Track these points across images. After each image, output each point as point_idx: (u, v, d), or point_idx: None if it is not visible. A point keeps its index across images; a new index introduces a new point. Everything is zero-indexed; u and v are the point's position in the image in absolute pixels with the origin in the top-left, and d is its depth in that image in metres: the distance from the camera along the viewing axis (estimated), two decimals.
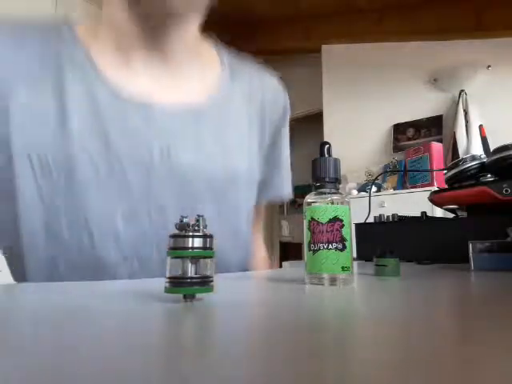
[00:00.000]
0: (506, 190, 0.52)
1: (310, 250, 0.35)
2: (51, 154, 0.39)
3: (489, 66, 2.64)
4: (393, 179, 2.70)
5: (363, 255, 0.72)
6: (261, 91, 0.54)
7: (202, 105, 0.46)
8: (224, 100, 0.48)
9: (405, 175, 2.65)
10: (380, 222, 0.74)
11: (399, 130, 2.95)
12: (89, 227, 0.40)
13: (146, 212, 0.43)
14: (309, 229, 0.35)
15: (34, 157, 0.38)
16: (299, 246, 4.15)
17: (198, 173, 0.44)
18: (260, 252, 0.64)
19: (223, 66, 0.52)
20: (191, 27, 0.45)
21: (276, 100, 0.57)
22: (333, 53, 3.31)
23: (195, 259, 0.25)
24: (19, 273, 0.43)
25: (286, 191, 0.62)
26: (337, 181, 0.37)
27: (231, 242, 0.49)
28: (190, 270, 0.24)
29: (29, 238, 0.41)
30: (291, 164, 0.66)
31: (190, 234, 0.25)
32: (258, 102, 0.53)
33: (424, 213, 0.71)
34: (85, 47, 0.42)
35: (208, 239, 0.25)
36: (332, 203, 0.35)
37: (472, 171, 0.63)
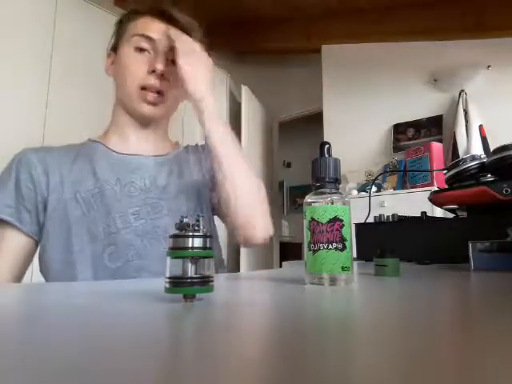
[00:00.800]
0: (506, 190, 0.52)
1: (310, 249, 0.35)
2: (90, 192, 0.68)
3: (489, 66, 2.64)
4: (393, 179, 2.70)
5: (363, 255, 0.72)
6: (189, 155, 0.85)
7: (166, 156, 0.79)
8: (175, 156, 0.81)
9: (405, 175, 2.64)
10: (380, 222, 0.74)
11: (399, 130, 2.95)
12: (114, 222, 0.66)
13: (146, 212, 0.69)
14: (309, 229, 0.35)
15: (79, 196, 0.68)
16: (299, 245, 4.15)
17: (168, 191, 0.74)
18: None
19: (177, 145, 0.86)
20: (162, 121, 0.79)
21: (196, 155, 0.85)
22: (333, 53, 3.31)
23: (195, 259, 0.25)
24: (71, 275, 0.63)
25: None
26: (337, 181, 0.37)
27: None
28: (190, 270, 0.24)
29: (79, 244, 0.64)
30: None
31: (190, 234, 0.25)
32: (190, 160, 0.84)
33: (424, 213, 0.71)
34: (101, 143, 0.76)
35: (208, 239, 0.25)
36: (332, 203, 0.35)
37: (472, 171, 0.63)
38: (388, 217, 0.74)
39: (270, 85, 3.95)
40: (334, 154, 0.37)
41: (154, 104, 0.72)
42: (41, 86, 2.13)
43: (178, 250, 0.25)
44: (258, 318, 0.21)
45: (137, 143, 0.76)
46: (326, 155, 0.38)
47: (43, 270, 0.67)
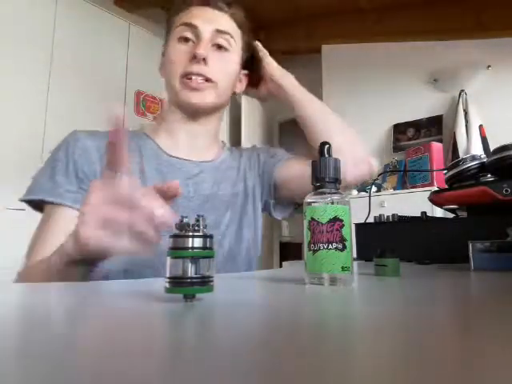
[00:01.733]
0: (506, 190, 0.52)
1: (310, 249, 0.35)
2: None
3: (489, 66, 2.64)
4: (393, 179, 2.70)
5: (363, 255, 0.72)
6: (253, 155, 0.85)
7: (213, 162, 0.77)
8: (222, 162, 0.79)
9: (405, 175, 2.64)
10: (380, 222, 0.74)
11: (399, 130, 2.95)
12: None
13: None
14: (309, 229, 0.35)
15: None
16: (299, 245, 4.14)
17: (211, 201, 0.73)
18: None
19: (224, 147, 0.84)
20: (211, 118, 0.75)
21: (262, 154, 0.85)
22: (333, 53, 3.31)
23: (195, 259, 0.25)
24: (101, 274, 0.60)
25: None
26: (337, 181, 0.37)
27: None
28: (190, 270, 0.24)
29: None
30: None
31: (190, 234, 0.25)
32: (252, 161, 0.84)
33: (424, 213, 0.71)
34: (151, 139, 0.74)
35: (208, 239, 0.25)
36: (332, 203, 0.35)
37: (472, 171, 0.63)
38: (388, 217, 0.74)
39: None
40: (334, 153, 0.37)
41: (199, 90, 0.68)
42: (41, 85, 2.13)
43: (178, 250, 0.25)
44: (258, 317, 0.21)
45: (186, 140, 0.73)
46: (326, 155, 0.38)
47: None
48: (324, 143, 0.38)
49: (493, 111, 2.56)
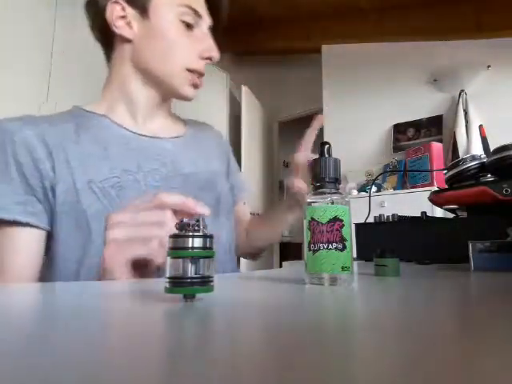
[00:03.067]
0: (506, 190, 0.52)
1: (310, 249, 0.35)
2: (107, 181, 0.58)
3: (489, 66, 2.64)
4: (393, 179, 2.70)
5: (363, 255, 0.72)
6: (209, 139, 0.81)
7: (184, 137, 0.73)
8: (192, 137, 0.75)
9: (405, 175, 2.65)
10: (380, 222, 0.74)
11: (399, 130, 2.95)
12: None
13: None
14: (309, 229, 0.35)
15: (95, 186, 0.57)
16: (299, 245, 4.15)
17: (192, 180, 0.68)
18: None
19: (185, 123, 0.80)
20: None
21: (219, 143, 0.83)
22: (333, 53, 3.31)
23: (195, 259, 0.25)
24: (85, 277, 0.57)
25: (246, 187, 0.88)
26: (337, 181, 0.37)
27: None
28: (190, 270, 0.24)
29: (97, 241, 0.55)
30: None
31: (190, 234, 0.25)
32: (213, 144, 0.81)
33: (424, 213, 0.71)
34: (108, 117, 0.65)
35: (208, 239, 0.25)
36: (332, 203, 0.35)
37: (472, 171, 0.63)
38: (388, 217, 0.74)
39: (270, 85, 3.96)
40: (334, 154, 0.37)
41: (199, 86, 0.67)
42: (41, 85, 2.13)
43: (177, 250, 0.25)
44: (258, 317, 0.21)
45: (146, 119, 0.68)
46: (326, 155, 0.38)
47: (47, 265, 0.57)
48: (324, 143, 0.38)
49: (493, 111, 2.56)
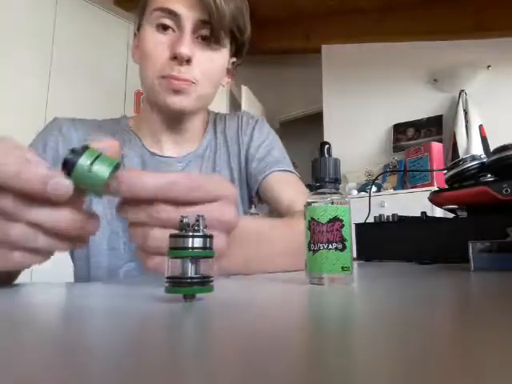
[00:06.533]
0: (506, 190, 0.52)
1: (309, 250, 0.35)
2: None
3: (489, 66, 2.64)
4: (393, 179, 2.70)
5: (363, 255, 0.72)
6: (236, 132, 0.76)
7: (198, 151, 0.71)
8: (206, 149, 0.72)
9: (405, 175, 2.65)
10: (380, 222, 0.74)
11: (399, 130, 2.95)
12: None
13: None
14: (309, 229, 0.35)
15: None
16: None
17: None
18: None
19: (210, 124, 0.75)
20: (197, 116, 0.69)
21: (246, 132, 0.76)
22: (333, 53, 3.31)
23: (195, 259, 0.25)
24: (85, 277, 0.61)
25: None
26: (337, 181, 0.37)
27: None
28: (190, 270, 0.24)
29: (96, 255, 0.60)
30: (292, 163, 0.78)
31: (190, 234, 0.25)
32: (234, 140, 0.75)
33: (424, 213, 0.71)
34: (135, 135, 0.69)
35: (208, 239, 0.25)
36: (332, 203, 0.35)
37: (472, 171, 0.63)
38: (388, 217, 0.74)
39: (270, 85, 3.96)
40: (334, 154, 0.37)
41: (182, 92, 0.59)
42: (41, 85, 2.13)
43: (177, 250, 0.25)
44: (258, 317, 0.21)
45: (169, 139, 0.68)
46: (326, 155, 0.38)
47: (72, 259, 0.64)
48: (324, 143, 0.38)
49: (493, 111, 2.56)
